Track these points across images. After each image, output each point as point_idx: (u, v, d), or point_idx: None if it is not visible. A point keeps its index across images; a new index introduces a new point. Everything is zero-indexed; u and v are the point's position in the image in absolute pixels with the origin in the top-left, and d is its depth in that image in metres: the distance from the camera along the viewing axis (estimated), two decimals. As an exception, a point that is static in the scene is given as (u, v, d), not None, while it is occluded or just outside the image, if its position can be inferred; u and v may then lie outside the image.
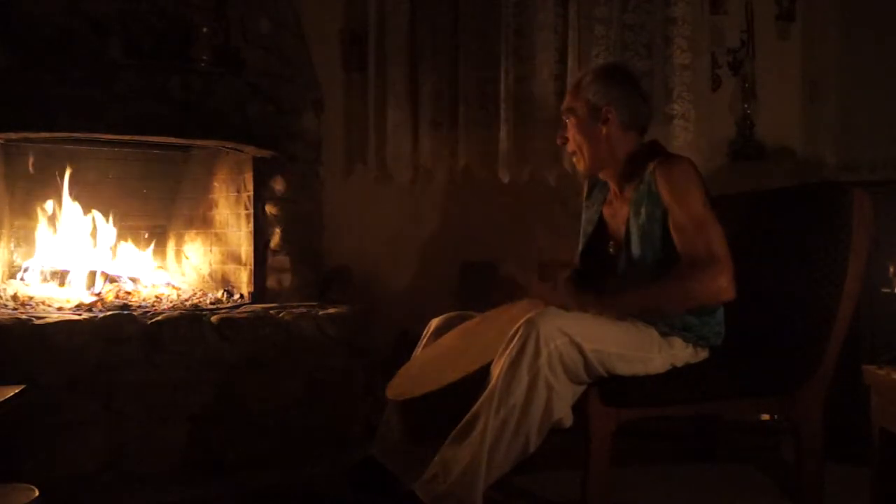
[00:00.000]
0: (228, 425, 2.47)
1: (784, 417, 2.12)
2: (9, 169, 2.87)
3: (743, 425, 2.75)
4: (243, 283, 3.04)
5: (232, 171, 3.09)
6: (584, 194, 2.26)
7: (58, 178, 2.86)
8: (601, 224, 2.16)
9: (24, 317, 2.35)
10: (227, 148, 2.90)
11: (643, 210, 1.94)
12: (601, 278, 2.08)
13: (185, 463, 2.39)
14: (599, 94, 2.00)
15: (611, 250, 2.10)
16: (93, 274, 2.82)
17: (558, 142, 2.12)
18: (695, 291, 1.82)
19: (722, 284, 1.80)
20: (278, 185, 2.99)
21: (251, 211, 2.99)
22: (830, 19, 3.12)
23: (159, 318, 2.44)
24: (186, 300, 2.92)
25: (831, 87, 3.12)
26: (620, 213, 2.04)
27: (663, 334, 1.90)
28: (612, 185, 2.09)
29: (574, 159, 2.11)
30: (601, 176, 2.12)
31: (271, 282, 2.99)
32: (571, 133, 2.05)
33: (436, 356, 2.03)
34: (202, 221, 3.22)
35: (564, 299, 1.88)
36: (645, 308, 1.89)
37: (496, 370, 1.74)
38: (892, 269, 2.04)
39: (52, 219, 2.90)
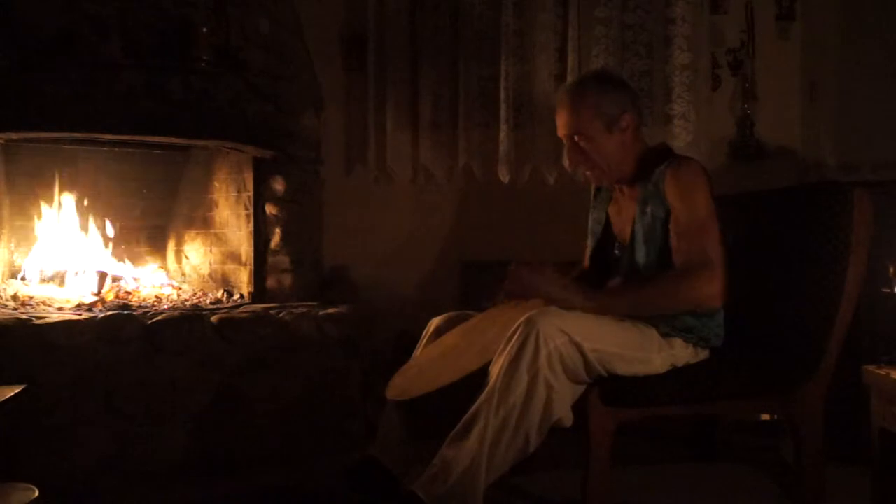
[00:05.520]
0: (228, 425, 2.47)
1: (784, 417, 2.12)
2: (9, 169, 2.87)
3: (743, 425, 2.75)
4: (243, 283, 3.04)
5: (232, 171, 3.09)
6: (592, 194, 2.26)
7: (58, 178, 2.87)
8: (608, 224, 2.16)
9: (24, 317, 2.35)
10: (227, 148, 2.90)
11: (649, 209, 1.94)
12: (607, 278, 2.08)
13: (185, 463, 2.39)
14: (615, 103, 1.97)
15: (616, 250, 2.10)
16: (93, 274, 2.82)
17: (571, 168, 2.09)
18: (685, 294, 1.82)
19: (712, 290, 1.80)
20: (278, 185, 2.99)
21: (251, 211, 2.99)
22: (830, 19, 3.12)
23: (159, 318, 2.44)
24: (186, 300, 2.92)
25: (831, 87, 3.12)
26: (626, 212, 2.05)
27: (664, 335, 1.90)
28: (620, 185, 2.08)
29: (589, 174, 2.07)
30: None
31: (271, 282, 2.99)
32: (587, 152, 1.99)
33: (436, 356, 2.03)
34: (202, 221, 3.22)
35: (556, 295, 1.87)
36: (637, 308, 1.89)
37: (496, 369, 1.74)
38: (892, 269, 2.04)
39: (52, 219, 2.90)
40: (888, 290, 2.04)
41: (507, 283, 1.95)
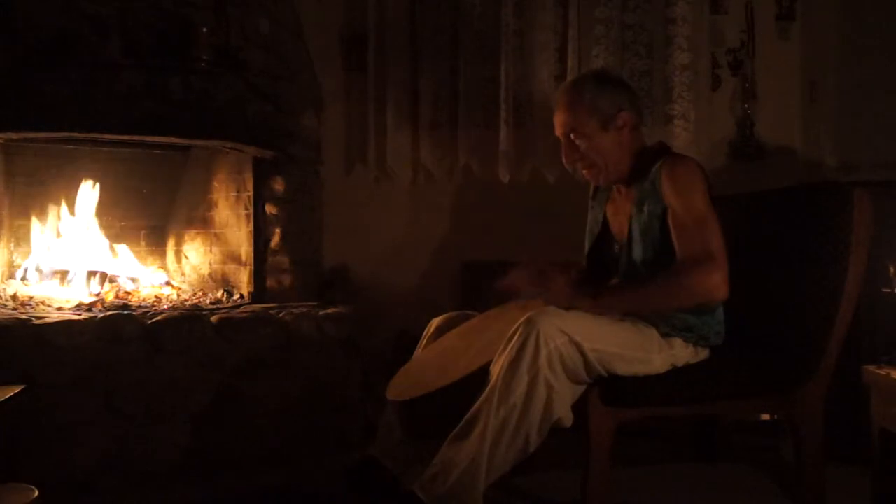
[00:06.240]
0: (228, 425, 2.47)
1: (784, 417, 2.12)
2: (9, 169, 2.87)
3: (743, 425, 2.75)
4: (243, 283, 3.04)
5: (232, 171, 3.09)
6: (591, 194, 2.26)
7: (58, 178, 2.87)
8: (606, 223, 2.16)
9: (24, 317, 2.35)
10: (228, 148, 2.90)
11: (646, 207, 1.94)
12: (606, 278, 2.08)
13: (185, 463, 2.39)
14: (611, 101, 1.98)
15: (614, 249, 2.10)
16: (92, 274, 2.82)
17: (569, 165, 2.09)
18: (689, 288, 1.82)
19: (716, 282, 1.79)
20: (278, 185, 2.99)
21: (251, 211, 2.99)
22: (830, 19, 3.12)
23: (159, 318, 2.44)
24: (186, 300, 2.92)
25: (831, 87, 3.12)
26: (623, 211, 2.05)
27: (664, 335, 1.90)
28: (617, 184, 2.08)
29: (586, 173, 2.07)
30: None
31: (271, 282, 2.99)
32: (585, 149, 2.00)
33: (436, 356, 2.03)
34: (202, 221, 3.23)
35: (561, 298, 1.88)
36: (641, 306, 1.89)
37: (496, 370, 1.74)
38: (892, 269, 2.04)
39: (51, 219, 2.90)
40: (888, 290, 2.04)
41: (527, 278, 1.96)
